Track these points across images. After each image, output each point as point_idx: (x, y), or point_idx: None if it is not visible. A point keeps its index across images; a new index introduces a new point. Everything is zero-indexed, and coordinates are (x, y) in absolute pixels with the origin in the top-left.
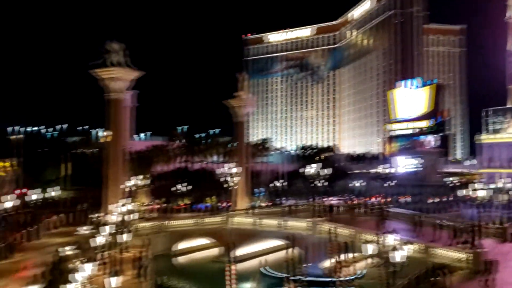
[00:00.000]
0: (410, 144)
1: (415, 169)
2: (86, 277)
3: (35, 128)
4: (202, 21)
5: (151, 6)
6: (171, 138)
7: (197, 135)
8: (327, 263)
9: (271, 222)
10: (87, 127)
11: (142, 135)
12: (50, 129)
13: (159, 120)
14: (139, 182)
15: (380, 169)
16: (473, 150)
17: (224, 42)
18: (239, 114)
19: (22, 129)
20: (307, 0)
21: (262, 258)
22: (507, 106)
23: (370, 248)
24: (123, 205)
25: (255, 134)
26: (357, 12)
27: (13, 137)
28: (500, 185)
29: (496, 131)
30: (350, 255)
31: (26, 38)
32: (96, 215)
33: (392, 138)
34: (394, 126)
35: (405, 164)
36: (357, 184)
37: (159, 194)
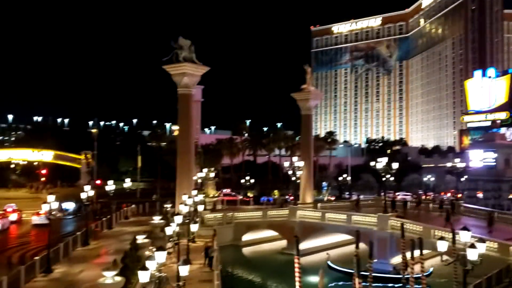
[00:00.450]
0: (484, 137)
1: (493, 163)
2: (159, 264)
3: (112, 122)
4: (270, 14)
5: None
6: (236, 131)
7: (263, 128)
8: (396, 259)
9: (337, 216)
10: (155, 121)
11: (207, 129)
12: (121, 124)
13: (223, 115)
14: (210, 175)
15: (455, 163)
16: None
17: (292, 34)
18: (305, 107)
19: (101, 123)
20: None
21: (328, 252)
22: None
23: (444, 245)
24: (193, 196)
25: (322, 127)
26: (426, 1)
27: (94, 130)
28: None
29: None
30: (420, 252)
31: (104, 36)
32: (169, 205)
33: (464, 131)
34: (472, 117)
35: (482, 158)
36: (427, 178)
37: (225, 187)
